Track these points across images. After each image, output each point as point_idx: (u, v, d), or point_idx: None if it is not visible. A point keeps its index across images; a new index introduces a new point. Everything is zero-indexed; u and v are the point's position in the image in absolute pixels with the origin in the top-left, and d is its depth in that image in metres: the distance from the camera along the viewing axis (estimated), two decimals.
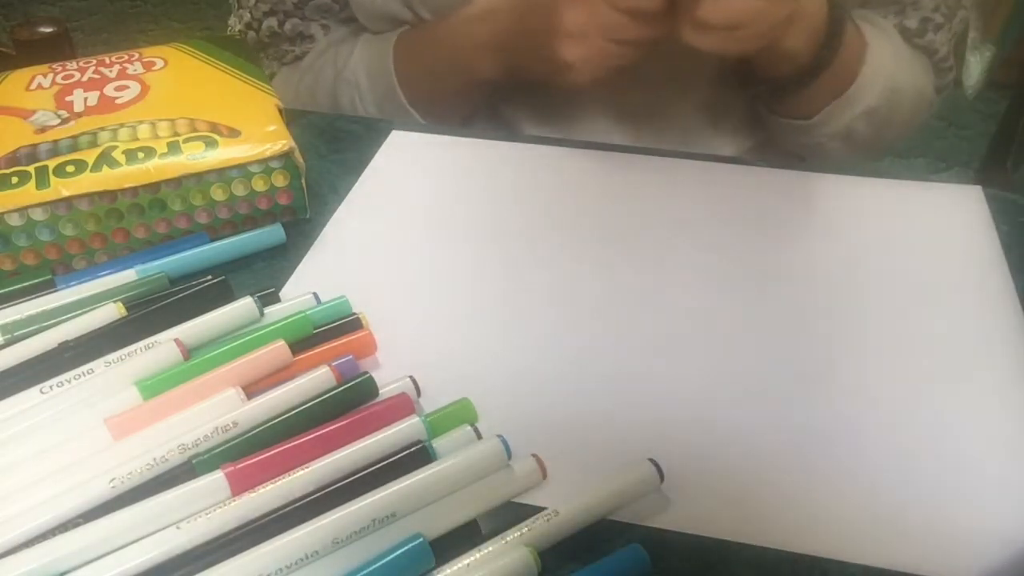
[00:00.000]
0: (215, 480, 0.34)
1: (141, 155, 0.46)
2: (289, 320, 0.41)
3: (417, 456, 0.35)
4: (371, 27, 0.67)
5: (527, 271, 0.48)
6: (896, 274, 0.47)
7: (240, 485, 0.34)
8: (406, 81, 0.64)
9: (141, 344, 0.40)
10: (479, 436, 0.37)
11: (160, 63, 0.54)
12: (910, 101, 0.64)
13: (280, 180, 0.49)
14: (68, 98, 0.51)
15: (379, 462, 0.35)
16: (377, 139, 0.58)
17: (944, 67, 0.67)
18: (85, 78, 0.53)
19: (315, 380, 0.39)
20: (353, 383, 0.38)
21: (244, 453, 0.35)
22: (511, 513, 0.35)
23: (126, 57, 0.55)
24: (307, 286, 0.45)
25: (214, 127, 0.48)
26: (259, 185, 0.48)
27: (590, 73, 0.56)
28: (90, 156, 0.46)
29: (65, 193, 0.45)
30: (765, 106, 0.63)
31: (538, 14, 0.55)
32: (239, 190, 0.48)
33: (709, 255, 0.48)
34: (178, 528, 0.33)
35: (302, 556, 0.32)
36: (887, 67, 0.61)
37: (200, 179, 0.47)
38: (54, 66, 0.54)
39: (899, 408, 0.40)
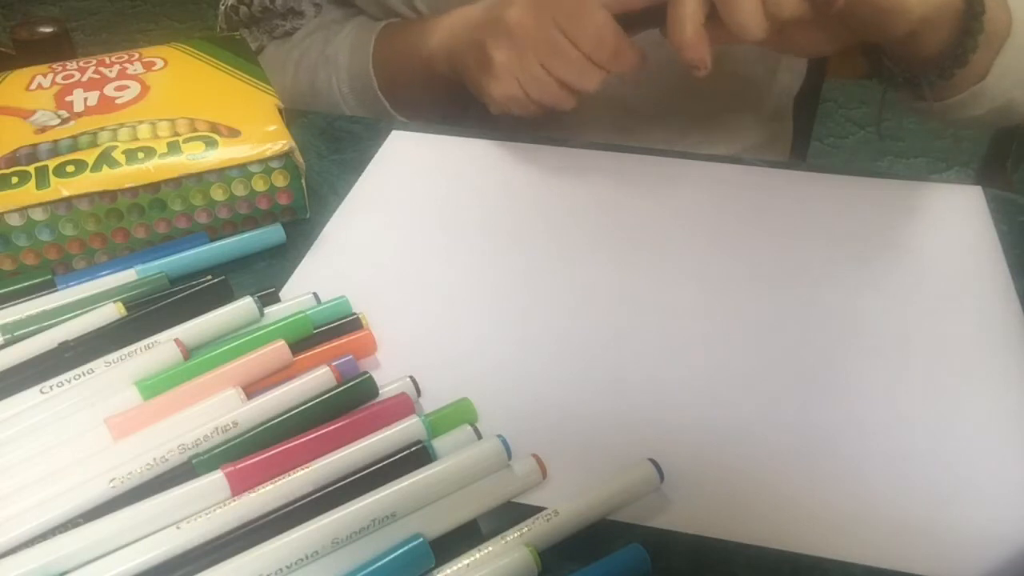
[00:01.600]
0: (215, 480, 0.34)
1: (141, 155, 0.46)
2: (289, 320, 0.41)
3: (417, 456, 0.35)
4: (368, 11, 0.67)
5: (527, 271, 0.48)
6: (896, 274, 0.47)
7: (240, 485, 0.34)
8: (380, 68, 0.64)
9: (141, 344, 0.40)
10: (479, 436, 0.37)
11: (160, 63, 0.54)
12: None
13: (280, 180, 0.49)
14: (68, 98, 0.51)
15: (379, 462, 0.35)
16: (377, 139, 0.58)
17: None
18: (85, 78, 0.53)
19: (315, 380, 0.39)
20: (353, 383, 0.38)
21: (244, 453, 0.35)
22: (511, 513, 0.35)
23: (126, 57, 0.55)
24: (307, 286, 0.45)
25: (214, 127, 0.48)
26: (259, 185, 0.48)
27: (512, 111, 0.55)
28: (90, 156, 0.46)
29: (65, 193, 0.45)
30: (909, 94, 0.58)
31: (476, 41, 0.55)
32: (239, 190, 0.48)
33: (709, 255, 0.48)
34: (178, 528, 0.33)
35: (302, 556, 0.32)
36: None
37: (200, 179, 0.47)
38: (54, 66, 0.54)
39: (899, 408, 0.40)
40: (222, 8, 0.72)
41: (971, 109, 0.57)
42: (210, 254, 0.47)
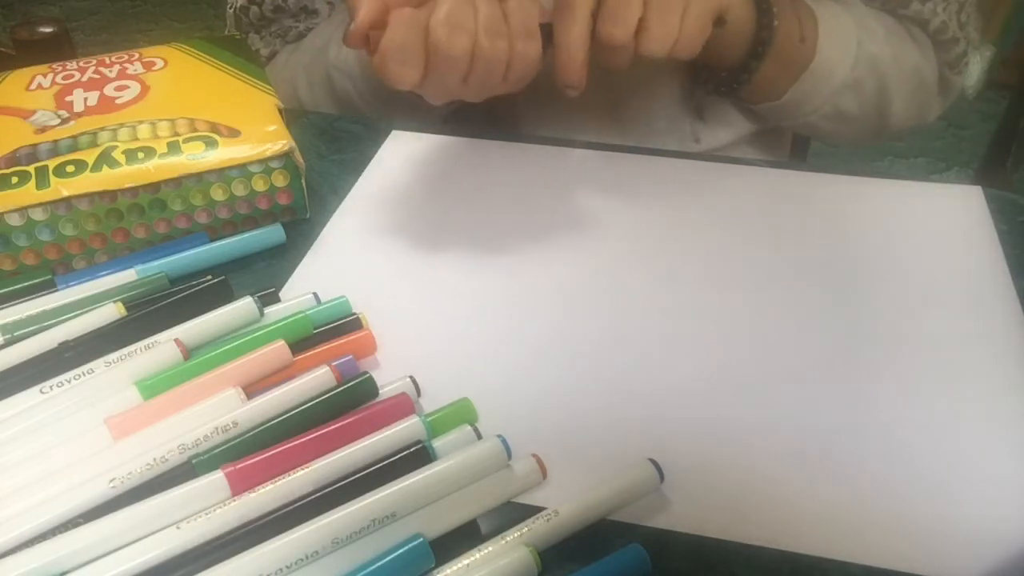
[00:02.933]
0: (215, 480, 0.34)
1: (141, 155, 0.46)
2: (289, 320, 0.41)
3: (417, 456, 0.35)
4: None
5: (527, 271, 0.48)
6: (896, 274, 0.47)
7: (240, 485, 0.34)
8: None
9: (141, 344, 0.40)
10: (479, 436, 0.37)
11: (160, 63, 0.54)
12: (904, 74, 0.61)
13: (280, 180, 0.49)
14: (68, 98, 0.51)
15: (379, 462, 0.35)
16: (377, 139, 0.58)
17: (944, 39, 0.63)
18: (85, 78, 0.53)
19: (315, 380, 0.39)
20: (353, 383, 0.38)
21: (244, 453, 0.35)
22: (511, 513, 0.35)
23: (126, 57, 0.55)
24: (307, 286, 0.45)
25: (214, 127, 0.48)
26: (259, 185, 0.48)
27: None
28: (90, 156, 0.46)
29: (65, 193, 0.45)
30: (731, 96, 0.63)
31: None
32: (239, 190, 0.48)
33: (709, 255, 0.48)
34: (178, 528, 0.33)
35: (302, 556, 0.32)
36: (849, 37, 0.59)
37: (200, 179, 0.47)
38: (54, 66, 0.54)
39: (899, 408, 0.40)
40: (230, 11, 0.70)
41: (776, 120, 0.64)
42: (210, 254, 0.47)
